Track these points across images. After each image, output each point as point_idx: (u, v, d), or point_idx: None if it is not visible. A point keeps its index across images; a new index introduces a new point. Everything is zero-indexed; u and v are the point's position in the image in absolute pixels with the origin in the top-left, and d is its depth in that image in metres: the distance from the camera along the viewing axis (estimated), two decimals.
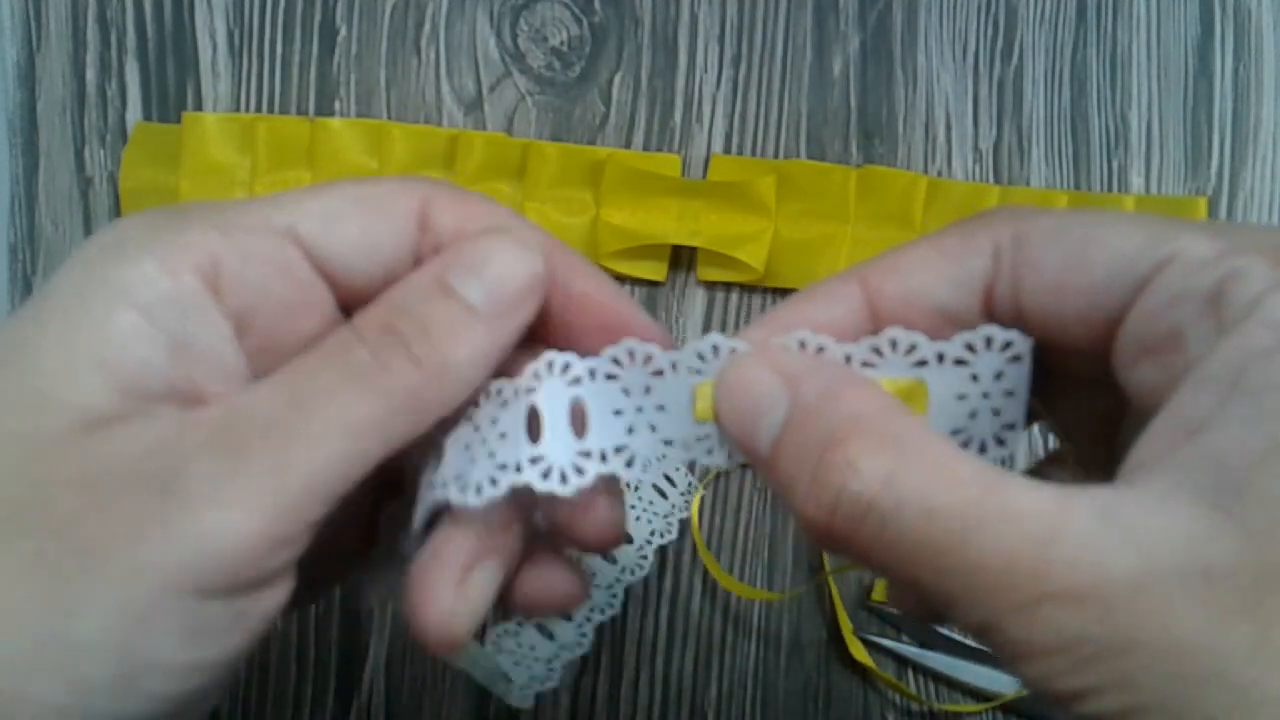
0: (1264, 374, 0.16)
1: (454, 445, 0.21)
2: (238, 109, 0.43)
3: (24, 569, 0.17)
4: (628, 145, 0.43)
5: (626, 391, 0.21)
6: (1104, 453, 0.21)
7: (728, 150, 0.43)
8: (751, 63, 0.43)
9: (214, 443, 0.18)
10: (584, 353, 0.22)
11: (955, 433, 0.20)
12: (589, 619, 0.40)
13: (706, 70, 0.43)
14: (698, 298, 0.43)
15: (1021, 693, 0.41)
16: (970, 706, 0.42)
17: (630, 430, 0.22)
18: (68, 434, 0.18)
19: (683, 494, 0.42)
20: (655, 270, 0.42)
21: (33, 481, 0.18)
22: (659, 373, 0.21)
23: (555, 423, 0.21)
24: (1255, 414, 0.16)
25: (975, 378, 0.20)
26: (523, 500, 0.21)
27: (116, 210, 0.43)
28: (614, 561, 0.41)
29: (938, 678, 0.42)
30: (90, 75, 0.43)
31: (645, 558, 0.40)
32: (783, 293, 0.43)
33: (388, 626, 0.43)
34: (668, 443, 0.22)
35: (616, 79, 0.43)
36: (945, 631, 0.42)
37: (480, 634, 0.40)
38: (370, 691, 0.43)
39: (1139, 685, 0.15)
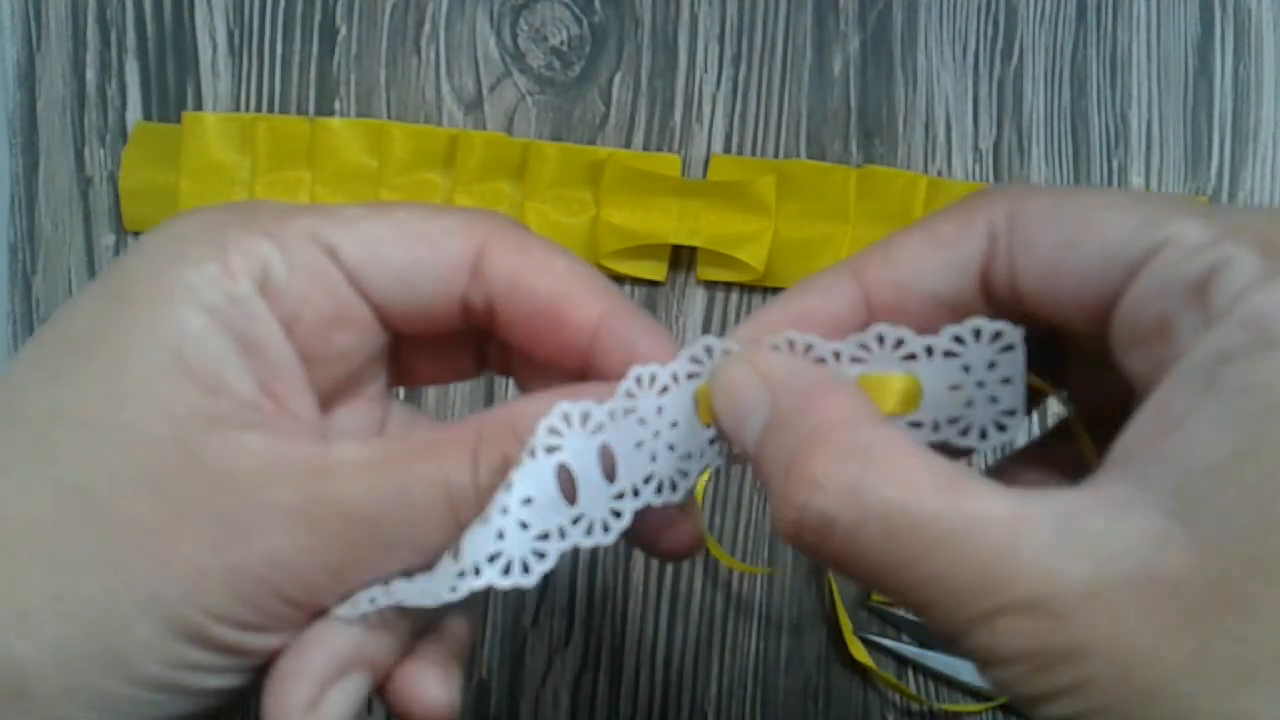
0: (1238, 375, 0.16)
1: (475, 525, 0.20)
2: (238, 109, 0.43)
3: (88, 567, 0.18)
4: (628, 145, 0.43)
5: (643, 420, 0.21)
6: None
7: (728, 150, 0.43)
8: (751, 63, 0.43)
9: (299, 496, 0.19)
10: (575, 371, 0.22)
11: (953, 421, 0.20)
12: None
13: (706, 70, 0.43)
14: (698, 297, 0.43)
15: None
16: (970, 706, 0.42)
17: (654, 457, 0.21)
18: (155, 435, 0.18)
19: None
20: (655, 270, 0.42)
21: (112, 474, 0.18)
22: (665, 389, 0.21)
23: (588, 476, 0.20)
24: (1224, 418, 0.15)
25: (967, 368, 0.20)
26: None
27: (116, 210, 0.43)
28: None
29: (938, 678, 0.42)
30: (90, 75, 0.43)
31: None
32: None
33: None
34: (687, 456, 0.22)
35: (616, 79, 0.43)
36: None
37: None
38: None
39: (1090, 692, 0.15)
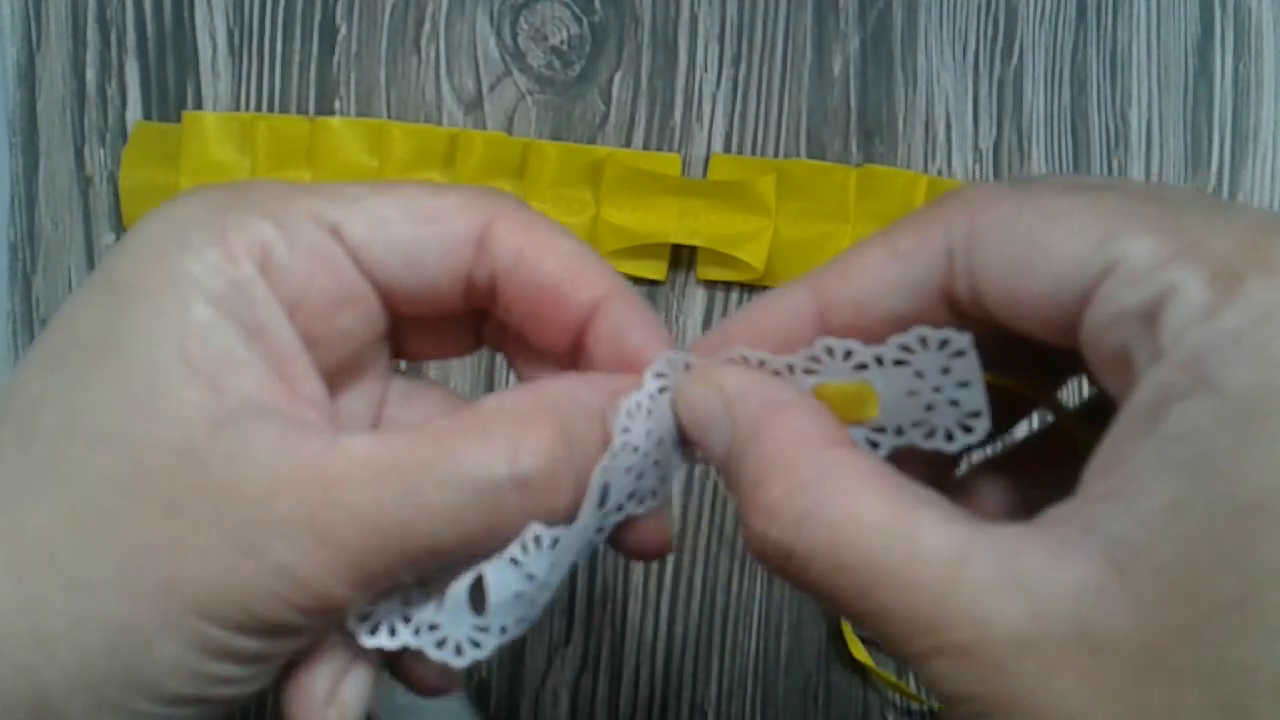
0: (1175, 420, 0.15)
1: (494, 570, 0.20)
2: (238, 108, 0.43)
3: (105, 588, 0.18)
4: (628, 144, 0.43)
5: (636, 448, 0.21)
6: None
7: (728, 149, 0.43)
8: (751, 62, 0.43)
9: (308, 505, 0.18)
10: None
11: (916, 425, 0.20)
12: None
13: (706, 70, 0.43)
14: (698, 297, 0.43)
15: None
16: None
17: (640, 475, 0.21)
18: (164, 445, 0.18)
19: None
20: (655, 269, 0.42)
21: (125, 492, 0.18)
22: (649, 412, 0.21)
23: (588, 510, 0.20)
24: (1161, 465, 0.15)
25: (920, 374, 0.19)
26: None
27: (117, 210, 0.43)
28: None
29: None
30: (90, 75, 0.43)
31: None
32: None
33: None
34: (667, 464, 0.22)
35: (616, 78, 0.43)
36: None
37: None
38: None
39: None
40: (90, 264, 0.44)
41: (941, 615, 0.16)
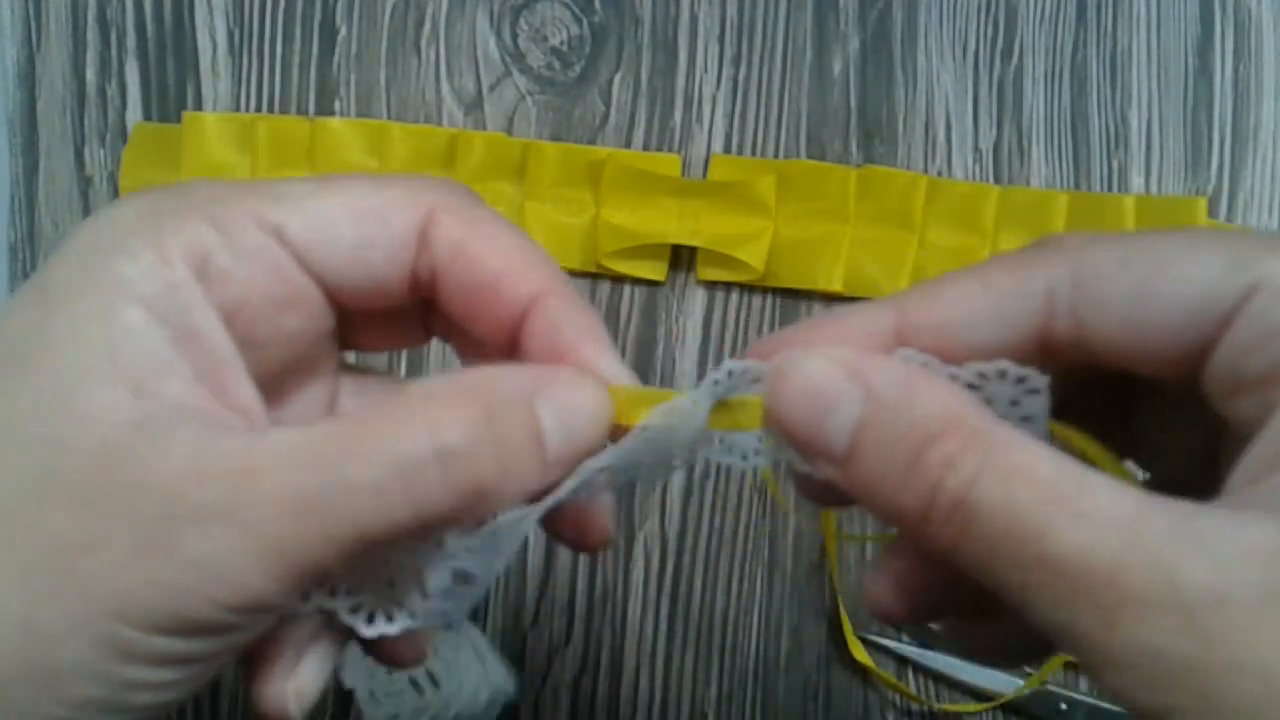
0: None
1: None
2: (238, 109, 0.43)
3: (6, 589, 0.17)
4: (628, 145, 0.43)
5: (636, 450, 0.21)
6: (1202, 482, 0.21)
7: (728, 150, 0.43)
8: (751, 63, 0.43)
9: (224, 494, 0.18)
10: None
11: None
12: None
13: (706, 70, 0.43)
14: (698, 297, 0.43)
15: (1022, 692, 0.41)
16: (970, 706, 0.42)
17: (616, 474, 0.21)
18: (78, 446, 0.18)
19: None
20: (655, 270, 0.42)
21: (36, 494, 0.18)
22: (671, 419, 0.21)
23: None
24: None
25: (989, 401, 0.20)
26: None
27: None
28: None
29: (938, 678, 0.42)
30: (90, 75, 0.43)
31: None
32: (783, 292, 0.43)
33: None
34: (666, 465, 0.22)
35: (616, 79, 0.43)
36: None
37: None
38: None
39: (1221, 707, 0.15)
40: None
41: (1122, 567, 0.15)
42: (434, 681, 0.39)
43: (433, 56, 0.43)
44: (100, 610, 0.17)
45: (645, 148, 0.43)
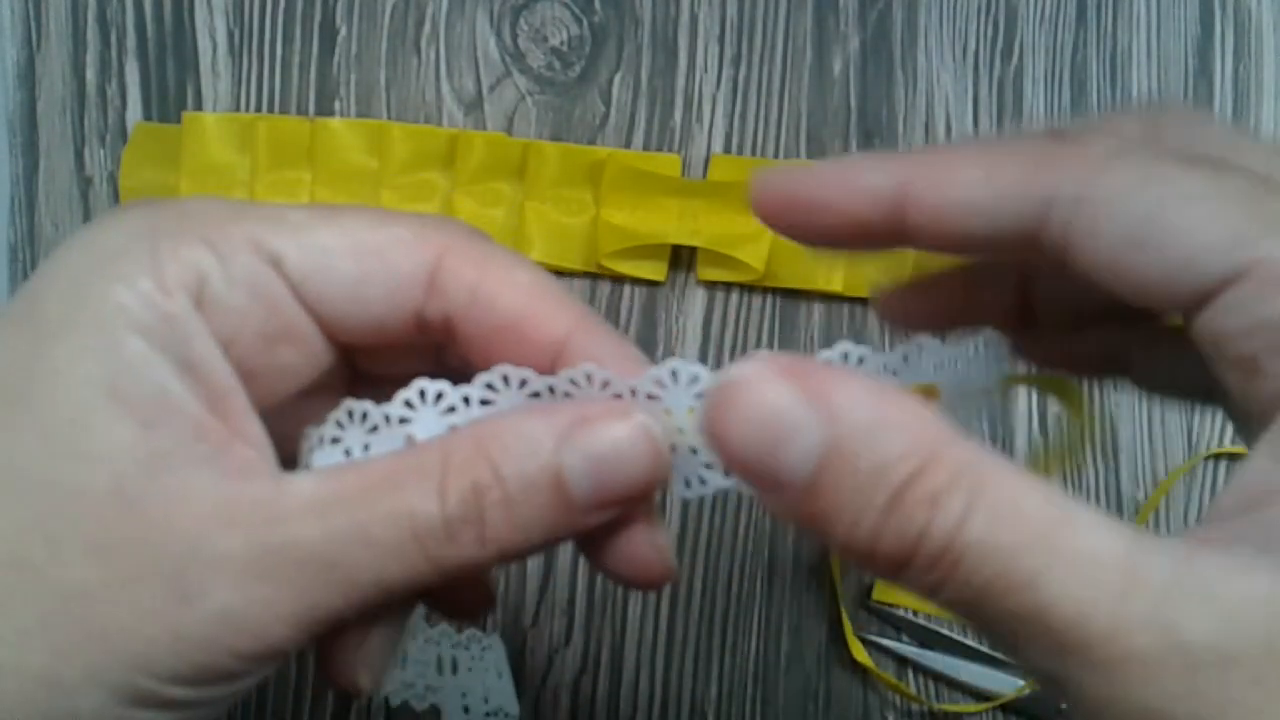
0: None
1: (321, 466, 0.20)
2: (238, 109, 0.43)
3: (27, 639, 0.17)
4: (628, 145, 0.43)
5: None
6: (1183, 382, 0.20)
7: (728, 150, 0.43)
8: (751, 63, 0.43)
9: (250, 544, 0.17)
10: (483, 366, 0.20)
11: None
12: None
13: (706, 70, 0.43)
14: (698, 297, 0.43)
15: (1021, 692, 0.41)
16: (970, 706, 0.42)
17: None
18: (90, 488, 0.17)
19: None
20: (655, 270, 0.42)
21: (48, 539, 0.17)
22: (536, 394, 0.19)
23: None
24: None
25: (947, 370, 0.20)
26: None
27: None
28: None
29: (938, 678, 0.42)
30: (90, 75, 0.43)
31: None
32: (783, 292, 0.43)
33: None
34: None
35: (616, 79, 0.43)
36: (945, 631, 0.42)
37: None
38: None
39: None
40: None
41: (1120, 621, 0.14)
42: (454, 668, 0.39)
43: (433, 56, 0.43)
44: (122, 661, 0.17)
45: (645, 148, 0.43)
